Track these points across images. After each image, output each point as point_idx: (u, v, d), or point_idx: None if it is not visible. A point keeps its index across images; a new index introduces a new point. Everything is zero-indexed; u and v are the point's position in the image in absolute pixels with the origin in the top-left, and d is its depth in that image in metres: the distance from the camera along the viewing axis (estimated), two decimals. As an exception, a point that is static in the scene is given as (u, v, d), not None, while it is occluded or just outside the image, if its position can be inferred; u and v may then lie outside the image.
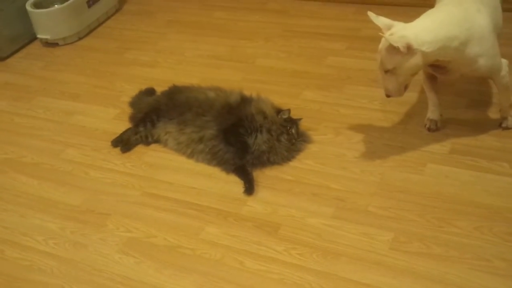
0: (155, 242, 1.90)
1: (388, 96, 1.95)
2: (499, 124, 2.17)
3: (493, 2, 2.00)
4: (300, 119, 2.23)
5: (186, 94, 2.37)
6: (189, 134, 2.22)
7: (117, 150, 2.35)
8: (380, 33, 1.82)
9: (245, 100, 2.26)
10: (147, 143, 2.36)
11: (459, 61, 1.91)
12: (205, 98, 2.30)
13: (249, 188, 2.04)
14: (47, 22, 3.21)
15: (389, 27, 1.84)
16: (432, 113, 2.20)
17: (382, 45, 1.84)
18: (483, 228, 1.77)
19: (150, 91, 2.64)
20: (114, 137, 2.40)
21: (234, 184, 2.09)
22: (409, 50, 1.78)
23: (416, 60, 1.81)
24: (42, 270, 1.85)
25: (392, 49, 1.79)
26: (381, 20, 1.86)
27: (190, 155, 2.23)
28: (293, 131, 2.16)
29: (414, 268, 1.67)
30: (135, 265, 1.82)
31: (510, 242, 1.71)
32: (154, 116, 2.34)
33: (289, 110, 2.18)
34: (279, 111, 2.18)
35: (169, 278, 1.75)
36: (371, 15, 1.86)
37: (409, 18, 1.96)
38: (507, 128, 2.14)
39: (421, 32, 1.80)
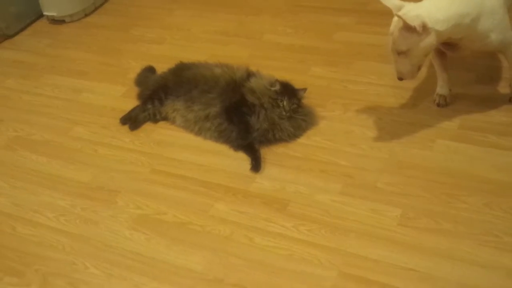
0: (165, 219, 1.91)
1: (400, 79, 1.91)
2: (508, 99, 2.15)
3: (505, -25, 1.96)
4: (304, 89, 2.19)
5: (193, 71, 2.36)
6: (196, 111, 2.22)
7: (126, 127, 2.36)
8: (395, 14, 1.78)
9: (251, 77, 2.24)
10: (155, 120, 2.36)
11: (471, 37, 1.88)
12: (211, 74, 2.29)
13: (256, 165, 2.05)
14: (54, -1, 3.20)
15: (399, 8, 1.81)
16: (441, 89, 2.18)
17: (394, 26, 1.81)
18: (492, 204, 1.77)
19: (151, 69, 2.63)
20: (122, 114, 2.40)
21: (242, 161, 2.09)
22: (424, 29, 1.75)
23: (430, 39, 1.78)
24: (53, 246, 1.87)
25: (407, 29, 1.76)
26: (390, 1, 1.82)
27: (198, 133, 2.24)
28: (284, 103, 2.11)
29: (422, 244, 1.68)
30: (145, 242, 1.84)
31: (519, 217, 1.72)
32: (162, 93, 2.34)
33: (276, 80, 2.15)
34: (278, 84, 2.16)
35: (179, 254, 1.77)
36: None
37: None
38: (516, 104, 2.13)
39: (433, 10, 1.77)
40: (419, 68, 1.90)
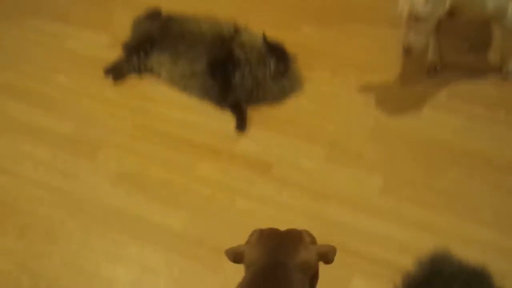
0: (147, 175, 1.89)
1: (408, 52, 1.83)
2: (499, 71, 2.13)
3: None
4: (290, 57, 2.13)
5: (180, 24, 2.28)
6: (182, 67, 2.17)
7: (109, 79, 2.30)
8: None
9: (238, 32, 2.18)
10: (140, 72, 2.30)
11: (469, 3, 1.85)
12: (198, 29, 2.23)
13: (241, 124, 2.02)
14: None
15: None
16: (433, 56, 2.15)
17: None
18: (475, 176, 1.78)
19: (157, 13, 2.48)
20: (106, 64, 2.34)
21: (227, 121, 2.06)
22: None
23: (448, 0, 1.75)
24: (31, 197, 1.85)
25: None
26: None
27: (183, 89, 2.19)
28: (272, 64, 2.06)
29: (402, 213, 1.69)
30: (126, 197, 1.82)
31: (499, 191, 1.73)
32: (147, 45, 2.27)
33: (264, 36, 2.08)
34: (264, 43, 2.09)
35: (159, 212, 1.77)
36: None
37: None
38: (506, 75, 2.11)
39: None
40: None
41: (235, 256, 1.13)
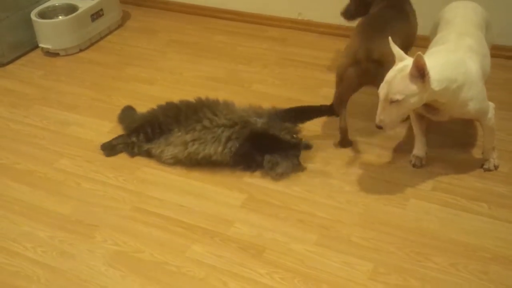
0: (142, 257, 1.94)
1: (379, 127, 1.96)
2: (481, 165, 2.25)
3: (483, 50, 2.10)
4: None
5: (180, 105, 2.46)
6: (185, 135, 2.31)
7: (111, 163, 2.40)
8: (418, 55, 1.79)
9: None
10: (132, 154, 2.41)
11: (452, 103, 1.99)
12: (199, 103, 2.44)
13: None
14: (51, 33, 3.27)
15: (401, 59, 1.91)
16: (418, 150, 2.27)
17: (393, 75, 1.87)
18: (459, 265, 1.84)
19: (131, 108, 2.70)
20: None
21: (222, 204, 2.15)
22: (427, 80, 1.83)
23: (426, 93, 1.86)
24: (28, 277, 1.88)
25: (412, 77, 1.83)
26: (398, 50, 1.92)
27: (188, 156, 2.29)
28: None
29: (390, 299, 1.73)
30: (120, 279, 1.86)
31: (483, 280, 1.78)
32: (148, 128, 2.39)
33: None
34: None
35: (153, 293, 1.80)
36: (391, 41, 1.92)
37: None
38: (488, 169, 2.22)
39: (430, 70, 1.83)
40: (401, 121, 1.99)
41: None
